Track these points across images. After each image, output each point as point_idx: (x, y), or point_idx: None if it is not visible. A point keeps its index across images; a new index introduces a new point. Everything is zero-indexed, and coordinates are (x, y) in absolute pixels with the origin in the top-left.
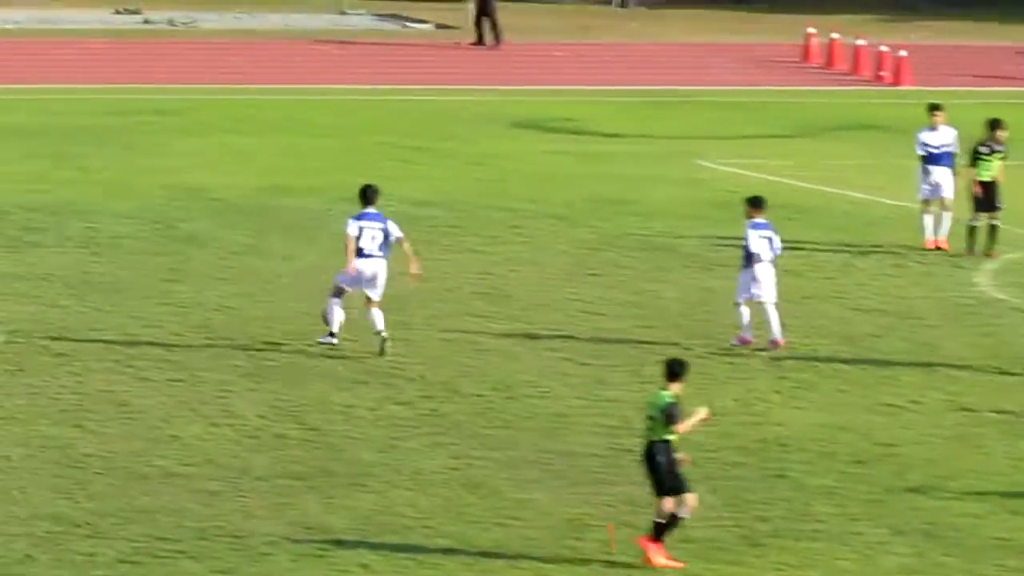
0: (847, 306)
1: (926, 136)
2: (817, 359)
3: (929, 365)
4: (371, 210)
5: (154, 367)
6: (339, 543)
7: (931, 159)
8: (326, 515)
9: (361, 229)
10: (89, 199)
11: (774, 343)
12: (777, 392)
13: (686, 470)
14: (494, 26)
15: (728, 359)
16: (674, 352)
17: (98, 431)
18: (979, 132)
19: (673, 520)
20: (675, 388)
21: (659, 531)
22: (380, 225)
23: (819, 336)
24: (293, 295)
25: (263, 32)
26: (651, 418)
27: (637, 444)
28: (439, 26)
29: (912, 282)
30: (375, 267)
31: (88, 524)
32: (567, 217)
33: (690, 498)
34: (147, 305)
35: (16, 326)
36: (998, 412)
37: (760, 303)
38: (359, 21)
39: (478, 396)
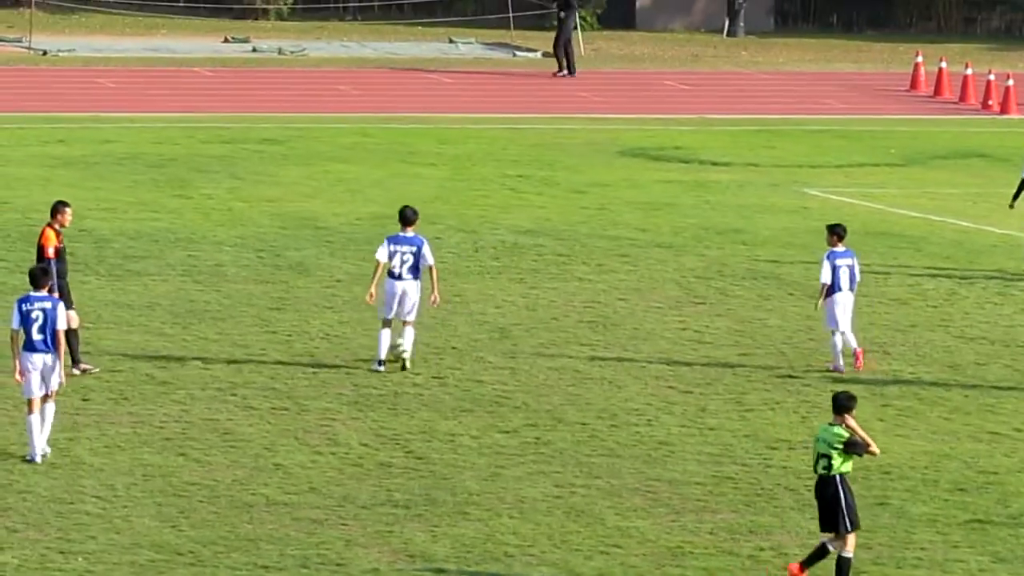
0: (952, 334)
1: None
2: (921, 387)
3: None
4: (407, 232)
5: (258, 395)
6: (442, 571)
7: None
8: (429, 543)
9: (392, 253)
10: (193, 227)
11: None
12: (881, 420)
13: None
14: (567, 55)
15: (832, 387)
16: (776, 380)
17: (202, 459)
18: None
19: (823, 553)
20: (848, 421)
21: (842, 569)
22: (412, 248)
23: (923, 364)
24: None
25: (372, 60)
26: (825, 455)
27: (738, 472)
28: (546, 54)
29: (1017, 310)
30: (404, 289)
31: (191, 552)
32: (674, 245)
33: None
34: (251, 333)
35: (120, 354)
36: None
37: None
38: (468, 50)
39: (582, 424)
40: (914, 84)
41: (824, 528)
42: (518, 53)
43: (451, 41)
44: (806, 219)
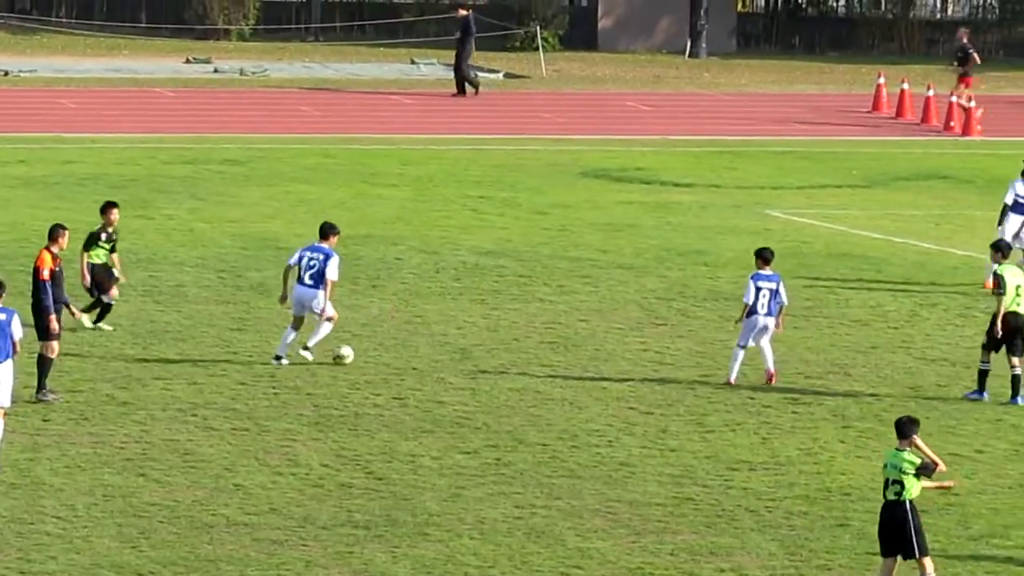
0: (913, 356)
1: (1020, 187)
2: (882, 408)
3: (994, 415)
4: (322, 245)
5: (219, 416)
6: None
7: (1017, 208)
8: (390, 564)
9: (301, 258)
10: (154, 248)
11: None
12: (842, 441)
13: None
14: (468, 76)
15: (793, 408)
16: (737, 402)
17: (162, 480)
18: None
19: None
20: (916, 442)
21: None
22: (321, 257)
23: (885, 385)
24: (360, 345)
25: (333, 81)
26: (897, 480)
27: (699, 493)
28: (508, 75)
29: (979, 331)
30: (308, 295)
31: (151, 573)
32: (636, 267)
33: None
34: (212, 354)
35: (80, 375)
36: None
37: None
38: (429, 71)
39: (543, 445)
40: (876, 105)
41: (886, 553)
42: (479, 74)
43: (413, 62)
44: (768, 240)
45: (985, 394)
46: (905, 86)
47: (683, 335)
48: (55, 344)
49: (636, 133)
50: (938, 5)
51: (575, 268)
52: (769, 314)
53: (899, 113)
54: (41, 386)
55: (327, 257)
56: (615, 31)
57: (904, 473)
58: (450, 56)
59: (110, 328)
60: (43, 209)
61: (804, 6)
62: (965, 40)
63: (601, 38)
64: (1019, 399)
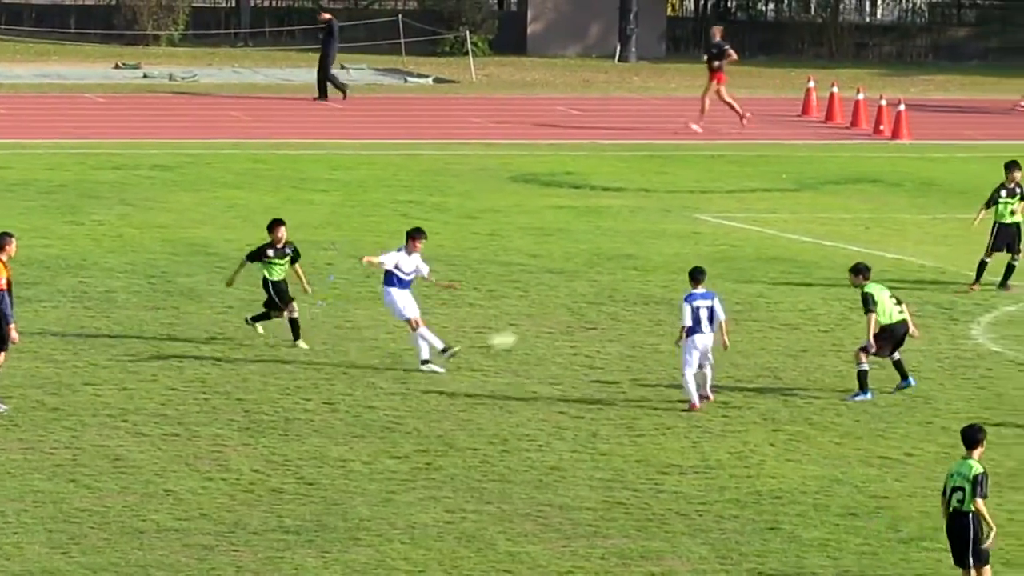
0: (844, 359)
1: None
2: (813, 412)
3: (924, 418)
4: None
5: (149, 421)
6: None
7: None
8: (321, 569)
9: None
10: (84, 254)
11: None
12: (772, 445)
13: None
14: (331, 79)
15: (724, 412)
16: (668, 405)
17: (92, 486)
18: (977, 183)
19: None
20: (978, 455)
21: None
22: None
23: (815, 389)
24: (288, 350)
25: (263, 87)
26: (960, 487)
27: (630, 497)
28: (439, 80)
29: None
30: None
31: None
32: (566, 271)
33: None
34: (142, 360)
35: (10, 381)
36: (992, 464)
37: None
38: (359, 76)
39: (473, 450)
40: (806, 109)
41: (958, 563)
42: (409, 79)
43: (343, 67)
44: (698, 245)
45: (870, 394)
46: (835, 90)
47: (613, 339)
48: (2, 356)
49: (566, 138)
50: (868, 9)
51: (505, 273)
52: (709, 332)
53: (828, 117)
54: None
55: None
56: (545, 36)
57: (968, 481)
58: (382, 61)
59: (303, 346)
60: None
61: (734, 10)
62: (719, 38)
63: (531, 43)
64: (911, 379)
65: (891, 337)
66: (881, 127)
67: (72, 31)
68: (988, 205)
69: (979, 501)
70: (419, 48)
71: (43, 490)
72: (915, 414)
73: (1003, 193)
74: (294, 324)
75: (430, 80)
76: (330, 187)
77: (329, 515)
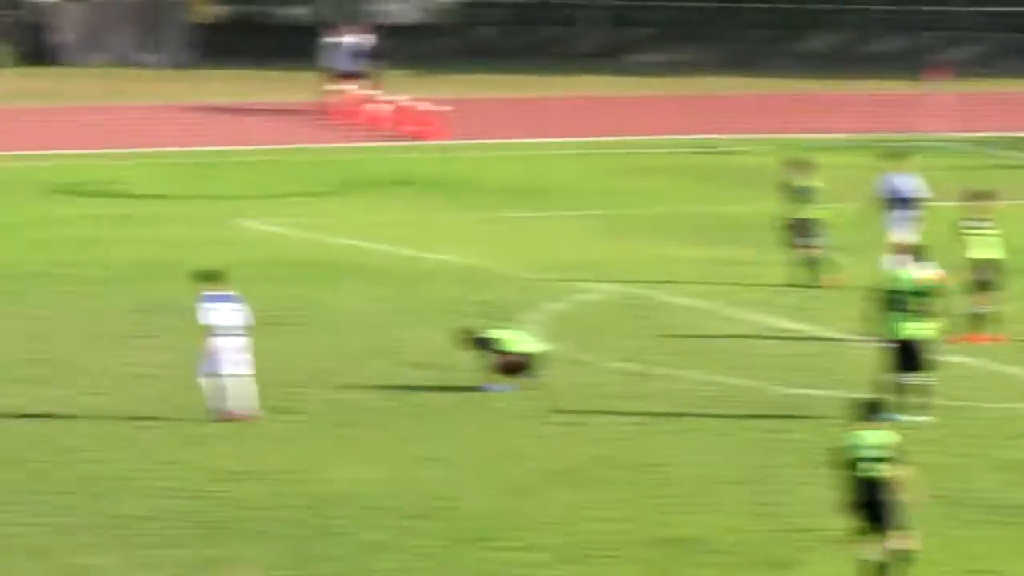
0: (395, 361)
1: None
2: (366, 415)
3: (480, 418)
4: None
5: None
6: None
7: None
8: None
9: None
10: None
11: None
12: (328, 449)
13: None
14: None
15: (279, 418)
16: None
17: None
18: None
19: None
20: (870, 426)
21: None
22: None
23: (368, 392)
24: None
25: None
26: (875, 459)
27: (193, 505)
28: None
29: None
30: None
31: None
32: (111, 280)
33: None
34: None
35: None
36: (550, 462)
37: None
38: None
39: (33, 462)
40: (327, 112)
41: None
42: None
43: None
44: (244, 251)
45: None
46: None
47: (162, 348)
48: None
49: (100, 147)
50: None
51: (48, 283)
52: (235, 335)
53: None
54: None
55: None
56: (74, 46)
57: (880, 449)
58: None
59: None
60: None
61: (259, 15)
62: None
63: (60, 53)
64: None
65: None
66: (409, 128)
67: None
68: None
69: (900, 467)
70: None
71: None
72: (472, 415)
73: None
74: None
75: None
76: None
77: None
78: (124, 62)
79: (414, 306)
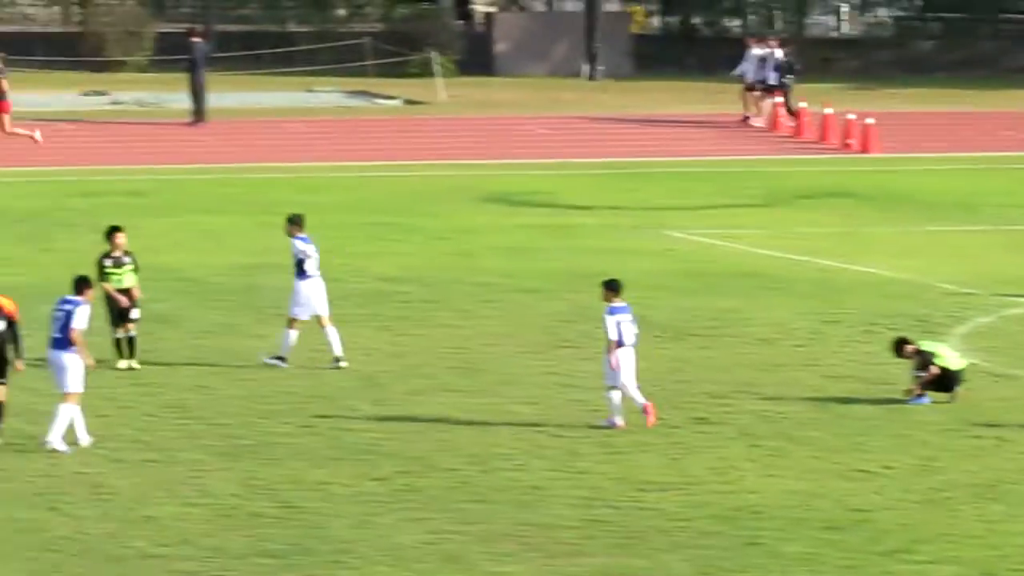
0: (819, 374)
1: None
2: (790, 426)
3: (901, 430)
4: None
5: (128, 447)
6: None
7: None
8: None
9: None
10: (54, 281)
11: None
12: (750, 460)
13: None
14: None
15: (701, 428)
16: (639, 421)
17: (72, 513)
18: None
19: None
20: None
21: None
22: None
23: (791, 403)
24: (266, 374)
25: (232, 111)
26: None
27: (610, 514)
28: (408, 102)
29: (883, 348)
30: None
31: None
32: (540, 290)
33: None
34: (119, 385)
35: None
36: (969, 475)
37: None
38: (328, 98)
39: (453, 470)
40: (774, 125)
41: None
42: (377, 101)
43: (310, 90)
44: (670, 261)
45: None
46: (803, 104)
47: (588, 357)
48: (3, 388)
49: (535, 157)
50: (832, 24)
51: (479, 292)
52: (631, 346)
53: (797, 132)
54: None
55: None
56: (511, 56)
57: None
58: (350, 83)
59: (136, 366)
60: None
61: (699, 27)
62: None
63: (498, 63)
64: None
65: None
66: (849, 141)
67: (38, 58)
68: None
69: None
70: (387, 70)
71: (23, 519)
72: (892, 426)
73: None
74: (131, 343)
75: (399, 101)
76: (299, 210)
77: (310, 538)
78: (562, 72)
79: (839, 318)
